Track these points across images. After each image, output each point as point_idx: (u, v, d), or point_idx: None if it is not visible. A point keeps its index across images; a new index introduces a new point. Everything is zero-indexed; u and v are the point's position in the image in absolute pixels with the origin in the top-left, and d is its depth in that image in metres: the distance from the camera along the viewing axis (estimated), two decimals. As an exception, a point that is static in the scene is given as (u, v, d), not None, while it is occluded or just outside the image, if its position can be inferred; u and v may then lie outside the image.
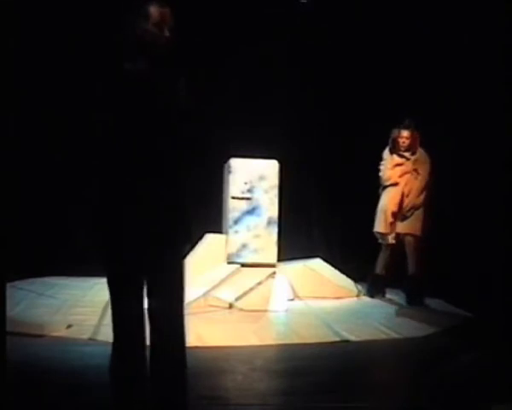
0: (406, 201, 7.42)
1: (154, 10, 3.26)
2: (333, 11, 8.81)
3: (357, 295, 7.82)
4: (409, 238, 7.40)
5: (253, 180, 7.42)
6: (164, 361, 3.20)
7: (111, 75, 3.20)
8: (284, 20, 8.74)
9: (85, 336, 5.53)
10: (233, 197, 7.42)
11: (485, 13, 7.41)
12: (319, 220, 9.36)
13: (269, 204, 7.44)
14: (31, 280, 7.72)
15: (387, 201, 7.49)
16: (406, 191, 7.43)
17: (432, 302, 7.29)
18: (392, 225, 7.47)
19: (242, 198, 7.41)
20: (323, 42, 8.90)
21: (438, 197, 7.45)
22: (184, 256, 3.25)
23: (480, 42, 7.64)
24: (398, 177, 7.47)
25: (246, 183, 7.42)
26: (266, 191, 7.44)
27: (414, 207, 7.40)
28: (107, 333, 5.56)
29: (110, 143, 3.14)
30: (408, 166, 7.48)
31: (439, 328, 6.24)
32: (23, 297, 6.82)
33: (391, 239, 7.50)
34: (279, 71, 8.86)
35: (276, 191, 7.47)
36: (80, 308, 6.54)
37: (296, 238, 8.62)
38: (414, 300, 7.25)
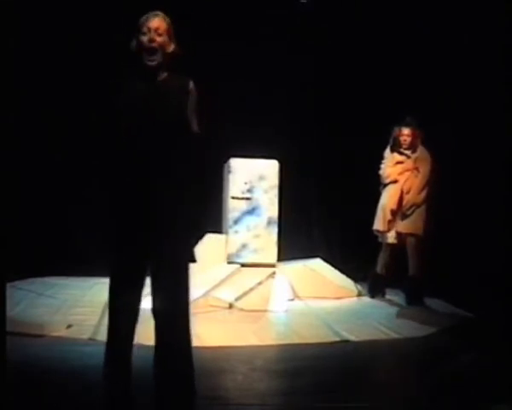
0: (406, 198, 7.38)
1: (141, 20, 3.27)
2: (333, 11, 8.81)
3: (358, 295, 7.81)
4: (410, 239, 7.36)
5: (253, 180, 7.42)
6: (169, 362, 3.22)
7: (127, 92, 3.24)
8: (284, 20, 8.74)
9: (85, 336, 5.52)
10: (233, 197, 7.42)
11: (485, 13, 7.42)
12: (319, 220, 9.36)
13: (269, 204, 7.44)
14: (31, 280, 7.72)
15: (387, 199, 7.47)
16: (406, 189, 7.41)
17: (432, 302, 7.28)
18: (391, 223, 7.45)
19: (242, 198, 7.41)
20: (323, 42, 8.90)
21: (438, 197, 7.44)
22: (193, 260, 3.31)
23: (480, 42, 7.64)
24: (398, 174, 7.45)
25: (246, 183, 7.41)
26: (266, 191, 7.44)
27: (414, 205, 7.36)
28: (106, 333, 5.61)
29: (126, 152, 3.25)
30: (409, 164, 7.46)
31: (439, 328, 6.22)
32: (23, 297, 6.81)
33: (391, 238, 7.48)
34: (279, 71, 8.86)
35: (276, 191, 7.47)
36: (80, 308, 6.52)
37: (296, 238, 8.61)
38: (414, 300, 7.23)
